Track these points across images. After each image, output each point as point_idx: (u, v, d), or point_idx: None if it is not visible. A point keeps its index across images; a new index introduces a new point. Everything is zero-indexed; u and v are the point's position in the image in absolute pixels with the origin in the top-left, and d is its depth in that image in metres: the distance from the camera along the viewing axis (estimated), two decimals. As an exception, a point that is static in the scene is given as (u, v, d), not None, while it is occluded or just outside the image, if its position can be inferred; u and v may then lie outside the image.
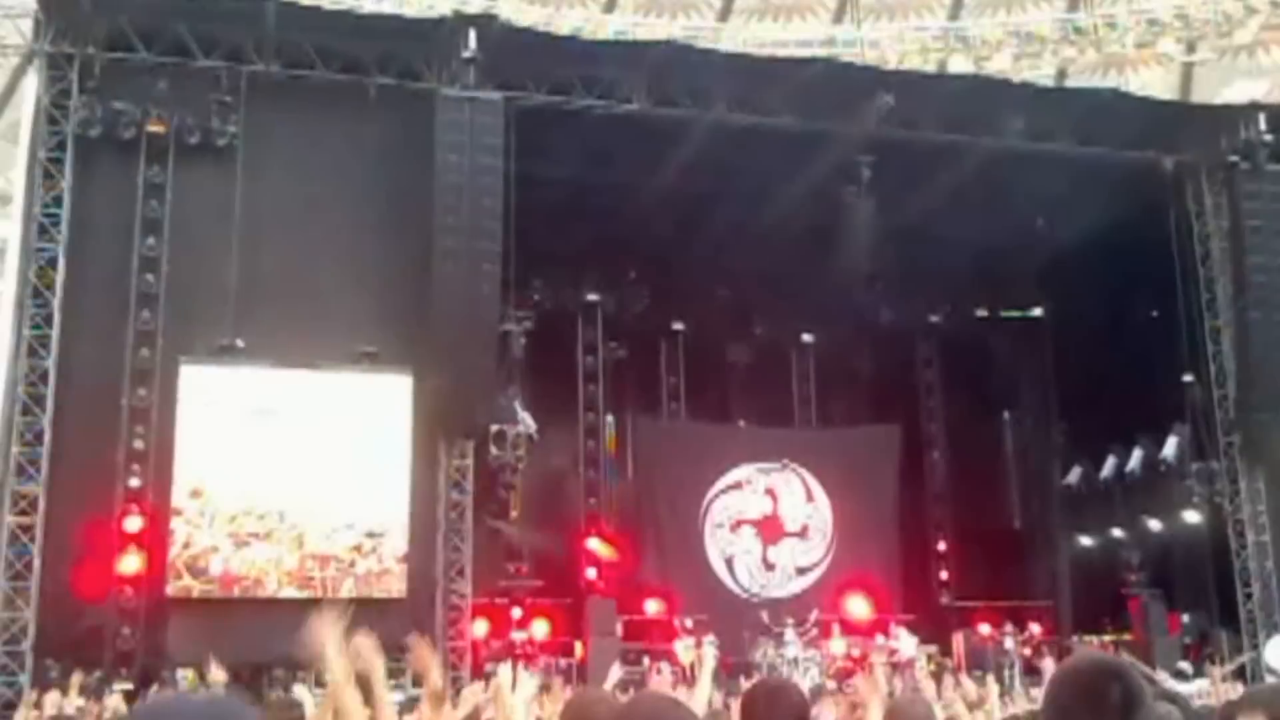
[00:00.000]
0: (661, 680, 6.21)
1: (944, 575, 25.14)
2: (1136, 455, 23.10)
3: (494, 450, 17.99)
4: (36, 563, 15.52)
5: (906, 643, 20.02)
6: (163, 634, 15.80)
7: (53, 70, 16.85)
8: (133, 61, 16.92)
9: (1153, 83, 24.07)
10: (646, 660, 18.74)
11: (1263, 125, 19.87)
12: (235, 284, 16.31)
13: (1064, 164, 19.34)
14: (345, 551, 16.70)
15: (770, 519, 24.43)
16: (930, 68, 23.84)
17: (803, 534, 24.50)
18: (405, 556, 16.87)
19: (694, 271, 23.05)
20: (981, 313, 25.84)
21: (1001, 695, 8.94)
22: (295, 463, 16.57)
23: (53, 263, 16.31)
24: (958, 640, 21.27)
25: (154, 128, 16.91)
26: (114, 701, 12.50)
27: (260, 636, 14.27)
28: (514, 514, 21.29)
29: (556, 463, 22.89)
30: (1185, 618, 21.70)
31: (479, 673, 15.73)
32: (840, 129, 19.28)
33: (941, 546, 25.37)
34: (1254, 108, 20.51)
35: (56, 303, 16.23)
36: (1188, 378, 20.72)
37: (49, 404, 15.93)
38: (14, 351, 16.13)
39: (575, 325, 23.60)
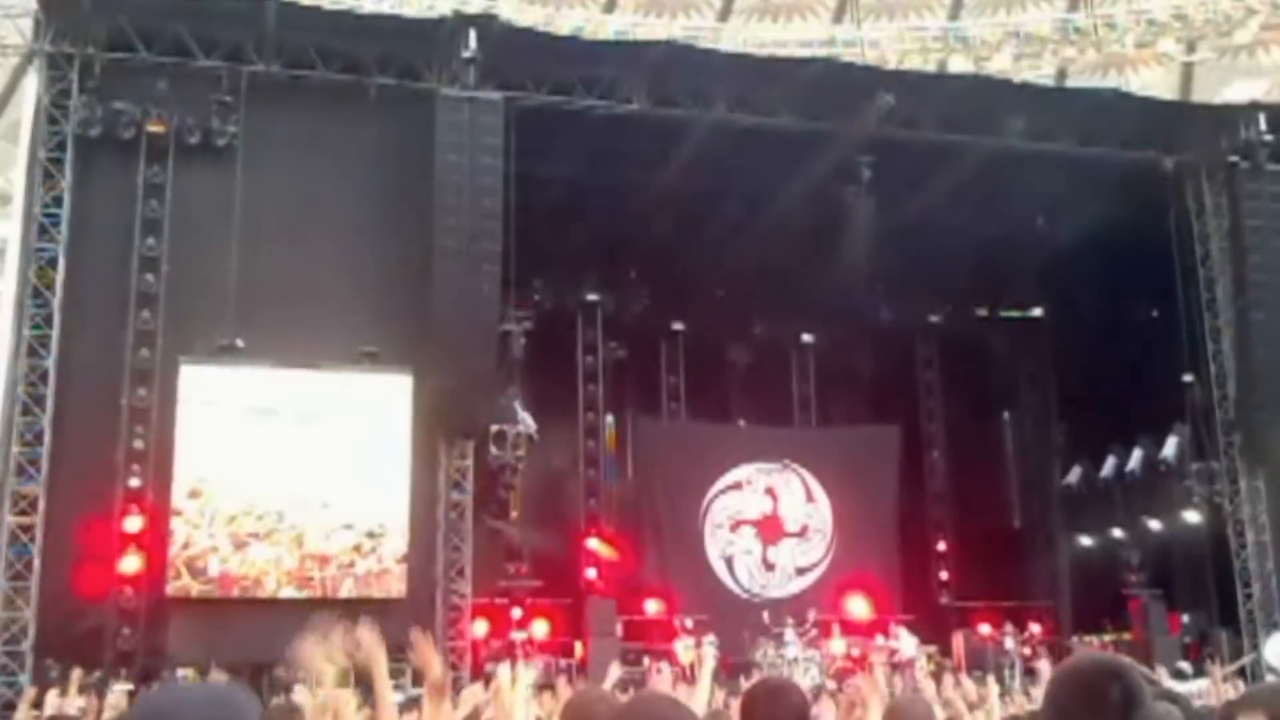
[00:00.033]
0: (661, 680, 6.21)
1: (944, 575, 25.14)
2: (1136, 455, 23.10)
3: (494, 450, 17.99)
4: (36, 563, 15.52)
5: (907, 643, 20.01)
6: (163, 634, 15.79)
7: (53, 70, 16.85)
8: (133, 61, 16.92)
9: (1153, 83, 24.07)
10: (646, 660, 18.72)
11: (1263, 125, 19.86)
12: (235, 284, 16.31)
13: (1064, 164, 19.34)
14: (345, 552, 16.70)
15: (770, 519, 24.43)
16: (930, 68, 23.84)
17: (802, 534, 24.50)
18: (405, 557, 16.87)
19: (694, 271, 23.05)
20: (981, 313, 25.84)
21: (1002, 695, 8.93)
22: (295, 463, 16.57)
23: (53, 263, 16.31)
24: (957, 640, 21.27)
25: (154, 128, 16.90)
26: (116, 699, 12.50)
27: (260, 637, 14.26)
28: (514, 514, 21.28)
29: (556, 463, 22.88)
30: (1185, 618, 21.70)
31: (479, 673, 15.72)
32: (840, 129, 19.29)
33: (941, 546, 25.36)
34: (1254, 108, 20.51)
35: (56, 303, 16.23)
36: (1188, 378, 20.71)
37: (49, 404, 15.93)
38: (14, 351, 16.13)
39: (575, 325, 23.60)
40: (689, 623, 20.49)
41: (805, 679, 17.16)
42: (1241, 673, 15.69)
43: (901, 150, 19.41)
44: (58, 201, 16.42)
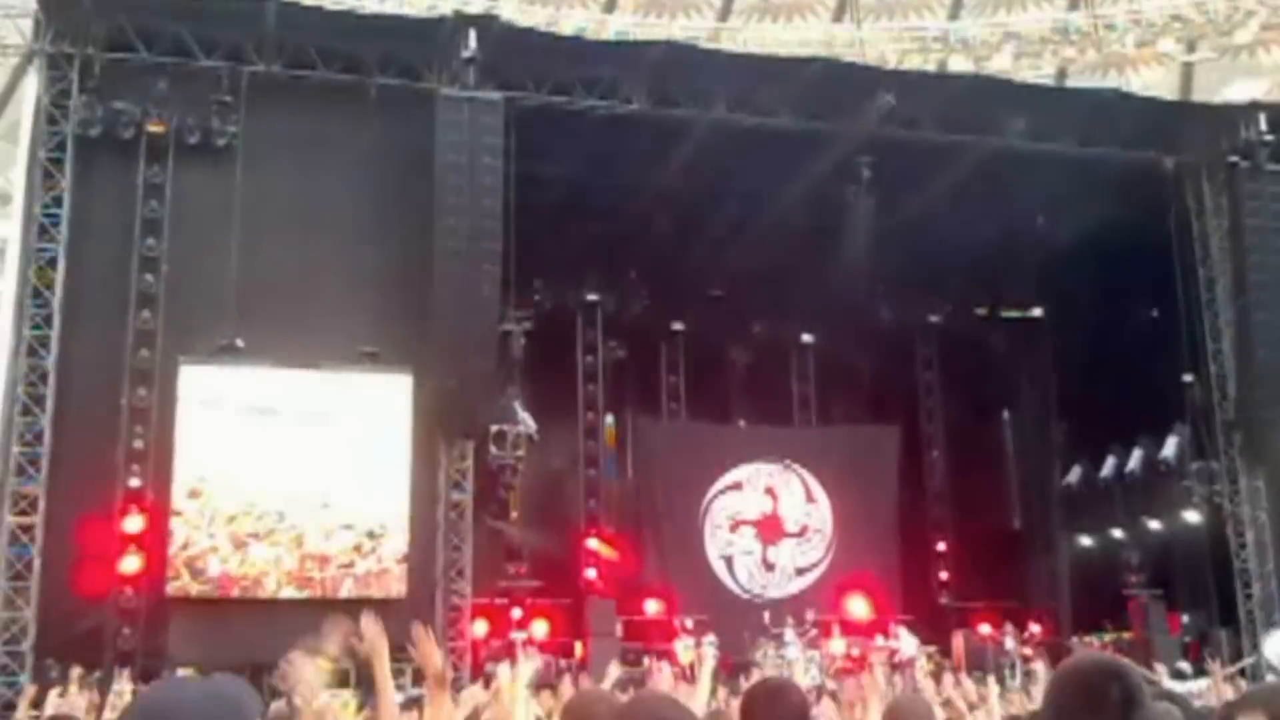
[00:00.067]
0: (661, 680, 6.20)
1: (944, 575, 25.13)
2: (1136, 455, 23.10)
3: (494, 450, 17.99)
4: (36, 563, 15.52)
5: (907, 643, 20.01)
6: (163, 634, 15.79)
7: (53, 70, 16.85)
8: (133, 61, 16.92)
9: (1153, 83, 24.06)
10: (647, 660, 18.72)
11: (1263, 125, 19.86)
12: (235, 284, 16.31)
13: (1064, 164, 19.33)
14: (345, 552, 16.70)
15: (770, 519, 24.43)
16: (930, 68, 23.83)
17: (802, 534, 24.50)
18: (405, 557, 16.87)
19: (694, 271, 23.05)
20: (981, 313, 25.83)
21: (1002, 695, 8.94)
22: (295, 463, 16.58)
23: (53, 263, 16.31)
24: (957, 640, 21.26)
25: (154, 128, 16.92)
26: (121, 689, 12.49)
27: (260, 637, 14.23)
28: (514, 514, 21.29)
29: (556, 463, 22.88)
30: (1185, 618, 21.70)
31: (479, 672, 15.71)
32: (840, 129, 19.29)
33: (941, 546, 25.36)
34: (1254, 108, 20.51)
35: (56, 303, 16.24)
36: (1188, 378, 20.71)
37: (49, 404, 15.93)
38: (14, 351, 16.13)
39: (575, 325, 23.60)
40: (689, 623, 20.48)
41: (805, 679, 17.15)
42: (1242, 673, 15.68)
43: (901, 150, 19.41)
44: (58, 201, 16.42)
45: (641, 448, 24.22)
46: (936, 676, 10.76)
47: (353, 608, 4.15)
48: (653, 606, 22.18)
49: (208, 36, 17.07)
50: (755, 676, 6.04)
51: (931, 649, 20.32)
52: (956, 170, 19.85)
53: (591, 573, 22.76)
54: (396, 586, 16.70)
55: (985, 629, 21.80)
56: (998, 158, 19.45)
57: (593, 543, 23.15)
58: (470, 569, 17.24)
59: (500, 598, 20.72)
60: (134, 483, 16.28)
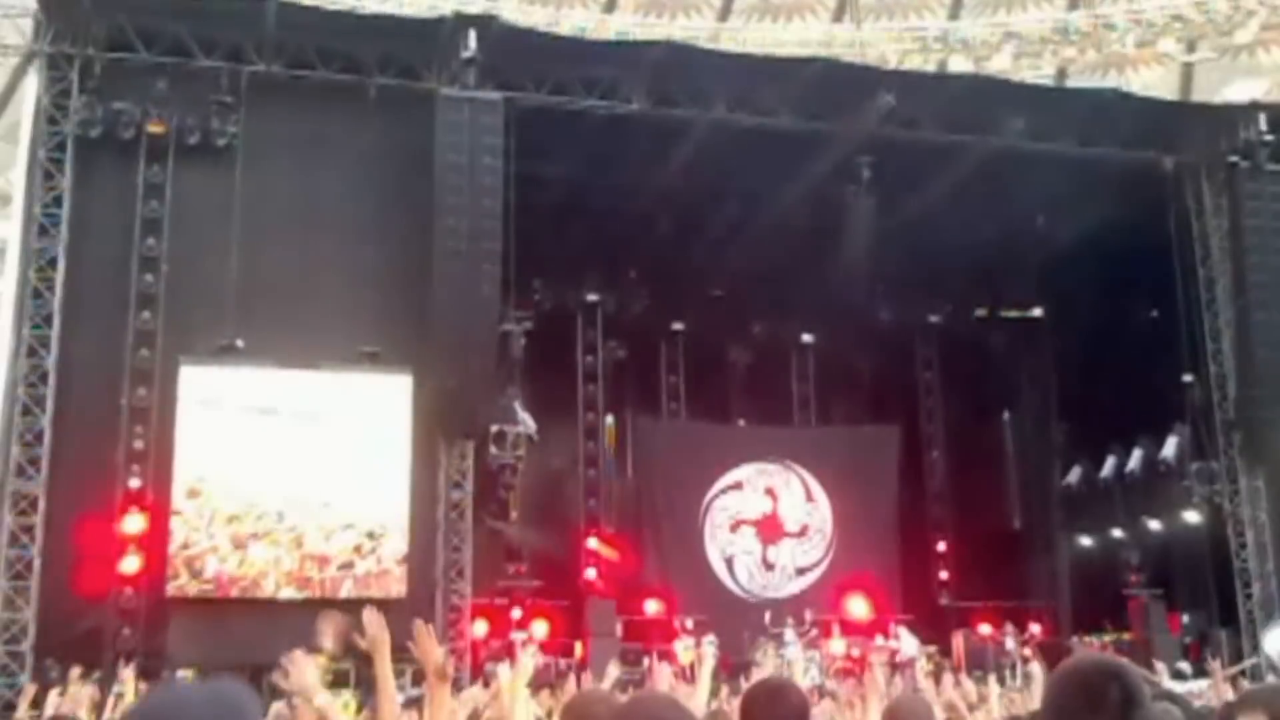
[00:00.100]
0: (661, 680, 6.20)
1: (944, 575, 25.13)
2: (1136, 455, 23.09)
3: (494, 450, 17.99)
4: (36, 563, 15.52)
5: (908, 643, 20.01)
6: (163, 634, 15.79)
7: (53, 70, 16.85)
8: (133, 61, 16.92)
9: (1153, 83, 24.07)
10: (646, 660, 18.72)
11: (1263, 125, 19.85)
12: (235, 284, 16.31)
13: (1064, 164, 19.32)
14: (345, 552, 16.69)
15: (770, 519, 24.44)
16: (930, 68, 23.84)
17: (802, 534, 24.50)
18: (405, 557, 16.87)
19: (694, 271, 23.05)
20: (981, 313, 25.82)
21: (1003, 695, 8.93)
22: (295, 463, 16.57)
23: (53, 263, 16.31)
24: (957, 640, 21.26)
25: (154, 128, 16.91)
26: (122, 700, 12.47)
27: (260, 637, 14.23)
28: (514, 514, 21.28)
29: (556, 463, 22.88)
30: (1185, 618, 21.70)
31: (479, 672, 15.72)
32: (840, 129, 19.29)
33: (941, 546, 25.36)
34: (1254, 108, 20.51)
35: (56, 303, 16.23)
36: (1188, 378, 20.70)
37: (49, 404, 15.93)
38: (14, 351, 16.13)
39: (575, 325, 23.59)
40: (689, 623, 20.49)
41: (805, 679, 17.15)
42: (1242, 674, 15.68)
43: (901, 150, 19.41)
44: (58, 201, 16.42)
45: (641, 448, 24.22)
46: (936, 676, 10.74)
47: (352, 608, 4.16)
48: (653, 606, 22.18)
49: (207, 36, 17.07)
50: (755, 676, 6.03)
51: (931, 649, 20.31)
52: (956, 170, 19.85)
53: (591, 573, 22.76)
54: (396, 587, 16.70)
55: (985, 629, 21.80)
56: (998, 158, 19.44)
57: (593, 543, 23.14)
58: (470, 569, 17.23)
59: (500, 598, 20.72)
60: (134, 483, 16.27)
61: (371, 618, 3.86)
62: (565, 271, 22.53)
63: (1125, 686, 2.48)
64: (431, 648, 3.91)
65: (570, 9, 24.08)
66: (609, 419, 24.18)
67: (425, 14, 19.73)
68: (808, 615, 20.35)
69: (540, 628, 20.82)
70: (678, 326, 24.41)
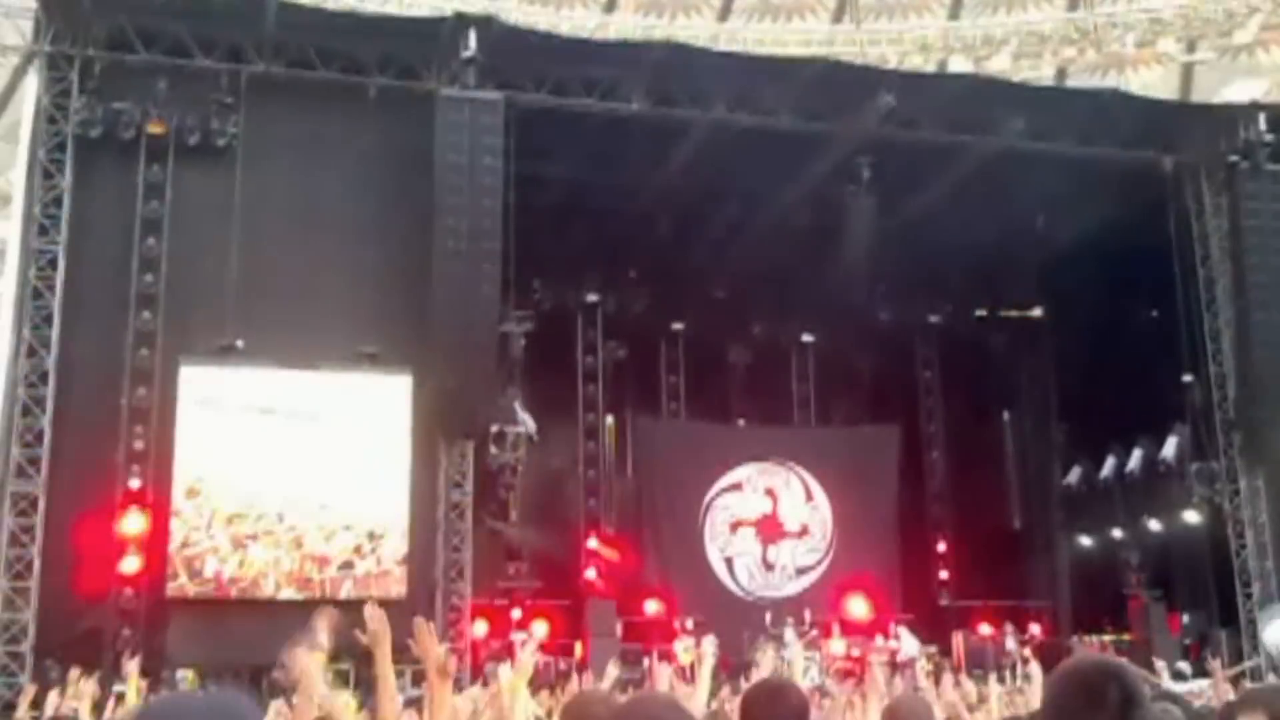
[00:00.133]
0: (661, 679, 6.21)
1: (944, 575, 25.12)
2: (1136, 455, 23.08)
3: (494, 451, 17.99)
4: (36, 563, 15.52)
5: (909, 643, 20.01)
6: (163, 634, 15.79)
7: (53, 70, 16.85)
8: (133, 61, 16.92)
9: (1153, 83, 24.07)
10: (646, 661, 18.73)
11: (1263, 125, 19.85)
12: (235, 284, 16.31)
13: (1064, 164, 19.33)
14: (345, 553, 16.70)
15: (770, 519, 24.43)
16: (930, 68, 23.85)
17: (802, 534, 24.50)
18: (405, 558, 16.87)
19: (694, 271, 23.05)
20: (981, 313, 25.82)
21: (1004, 695, 8.94)
22: (295, 463, 16.58)
23: (53, 263, 16.31)
24: (957, 640, 21.26)
25: (154, 128, 16.91)
26: (124, 703, 12.48)
27: (260, 638, 14.23)
28: (514, 514, 21.28)
29: (556, 463, 22.86)
30: (1185, 618, 21.70)
31: (479, 673, 15.72)
32: (840, 129, 19.29)
33: (941, 546, 25.35)
34: (1254, 108, 20.50)
35: (56, 303, 16.23)
36: (1188, 378, 20.70)
37: (49, 404, 15.93)
38: (14, 351, 16.13)
39: (575, 325, 23.59)
40: (689, 623, 20.49)
41: (805, 679, 17.15)
42: (1242, 675, 15.68)
43: (901, 150, 19.42)
44: (57, 202, 16.42)
45: (641, 448, 24.22)
46: (936, 676, 10.74)
47: (352, 608, 4.14)
48: (653, 607, 22.18)
49: (207, 36, 17.07)
50: (755, 676, 6.04)
51: (931, 649, 20.32)
52: (956, 170, 19.85)
53: (591, 573, 22.75)
54: (396, 587, 16.69)
55: (985, 629, 21.81)
56: (998, 158, 19.44)
57: (593, 543, 23.14)
58: (470, 569, 17.23)
59: (500, 598, 20.73)
60: (134, 483, 16.27)
61: (373, 612, 3.87)
62: (565, 271, 22.54)
63: (1124, 686, 2.48)
64: (432, 645, 3.91)
65: (570, 9, 24.08)
66: (609, 419, 24.18)
67: (425, 14, 19.74)
68: (808, 615, 20.36)
69: (540, 628, 20.81)
70: (678, 326, 24.40)
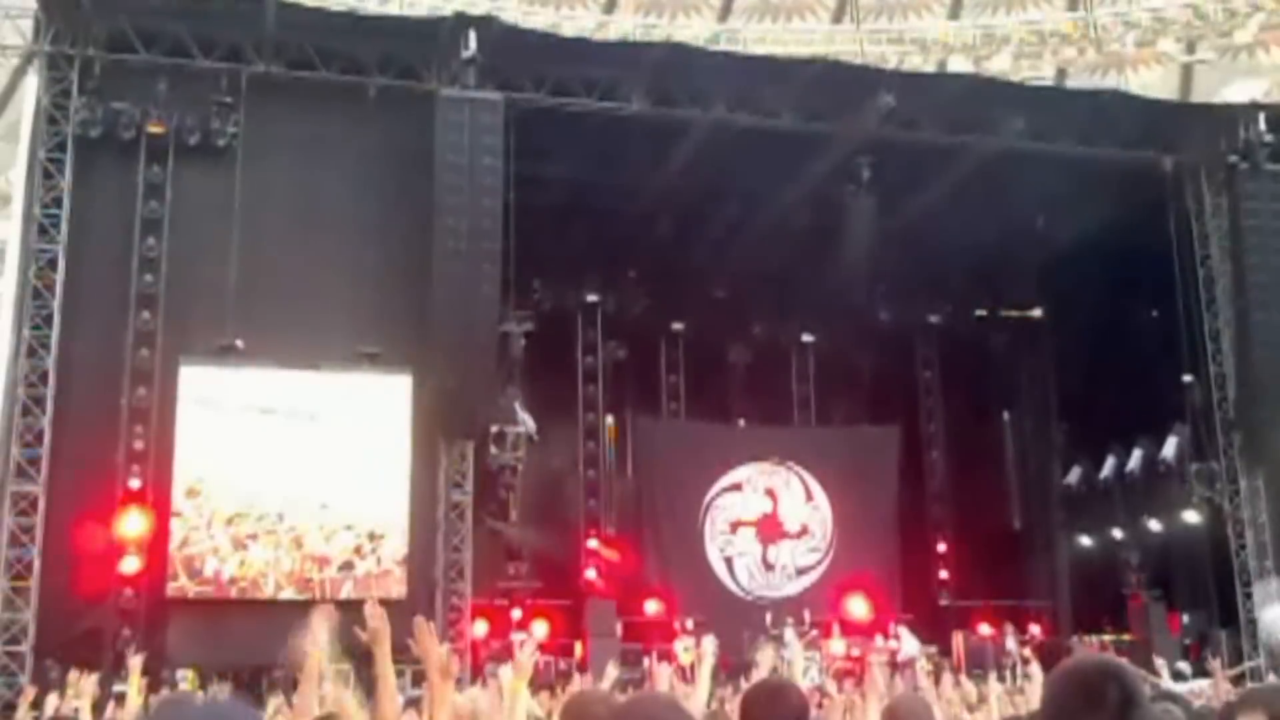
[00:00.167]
0: (661, 679, 6.22)
1: (944, 575, 25.12)
2: (1136, 455, 23.08)
3: (494, 451, 17.99)
4: (36, 563, 15.52)
5: (909, 643, 20.01)
6: (163, 634, 15.79)
7: (53, 70, 16.85)
8: (133, 62, 16.93)
9: (1153, 83, 24.09)
10: (646, 661, 18.72)
11: (1263, 125, 19.84)
12: (235, 284, 16.31)
13: (1064, 164, 19.33)
14: (345, 553, 16.70)
15: (769, 519, 24.43)
16: (930, 68, 23.86)
17: (802, 534, 24.50)
18: (405, 558, 16.87)
19: (694, 271, 23.05)
20: (981, 313, 25.82)
21: (1009, 694, 8.95)
22: (295, 463, 16.58)
23: (53, 263, 16.31)
24: (957, 640, 21.26)
25: (154, 128, 16.91)
26: (128, 694, 12.48)
27: (260, 638, 14.23)
28: (514, 515, 21.28)
29: (556, 463, 22.85)
30: (1185, 618, 21.70)
31: (479, 673, 15.72)
32: (840, 129, 19.29)
33: (941, 547, 25.34)
34: (1254, 108, 20.50)
35: (56, 303, 16.23)
36: (1188, 378, 20.69)
37: (49, 404, 15.93)
38: (14, 351, 16.13)
39: (575, 325, 23.59)
40: (689, 623, 20.49)
41: (805, 679, 17.15)
42: (1241, 677, 15.69)
43: (901, 150, 19.43)
44: (57, 202, 16.42)
45: (641, 448, 24.22)
46: (936, 676, 10.75)
47: (352, 609, 4.14)
48: (653, 607, 22.18)
49: (207, 36, 17.07)
50: (755, 676, 6.04)
51: (931, 649, 20.32)
52: (956, 170, 19.85)
53: (591, 573, 22.76)
54: (397, 588, 16.69)
55: (985, 629, 21.81)
56: (998, 158, 19.44)
57: (593, 543, 23.14)
58: (470, 569, 17.23)
59: (500, 598, 20.73)
60: (134, 483, 16.27)
61: (373, 610, 3.87)
62: (565, 271, 22.54)
63: (1124, 686, 2.48)
64: (433, 646, 3.91)
65: (570, 9, 24.10)
66: (609, 419, 24.18)
67: (425, 14, 19.76)
68: (807, 615, 20.36)
69: (540, 628, 20.81)
70: (678, 326, 24.39)
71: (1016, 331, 25.91)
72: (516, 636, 19.69)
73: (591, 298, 23.42)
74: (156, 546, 16.11)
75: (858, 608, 22.42)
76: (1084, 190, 19.82)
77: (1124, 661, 2.80)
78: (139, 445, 16.42)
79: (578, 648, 19.75)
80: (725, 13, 24.99)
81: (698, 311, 24.16)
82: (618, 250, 22.55)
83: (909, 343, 25.90)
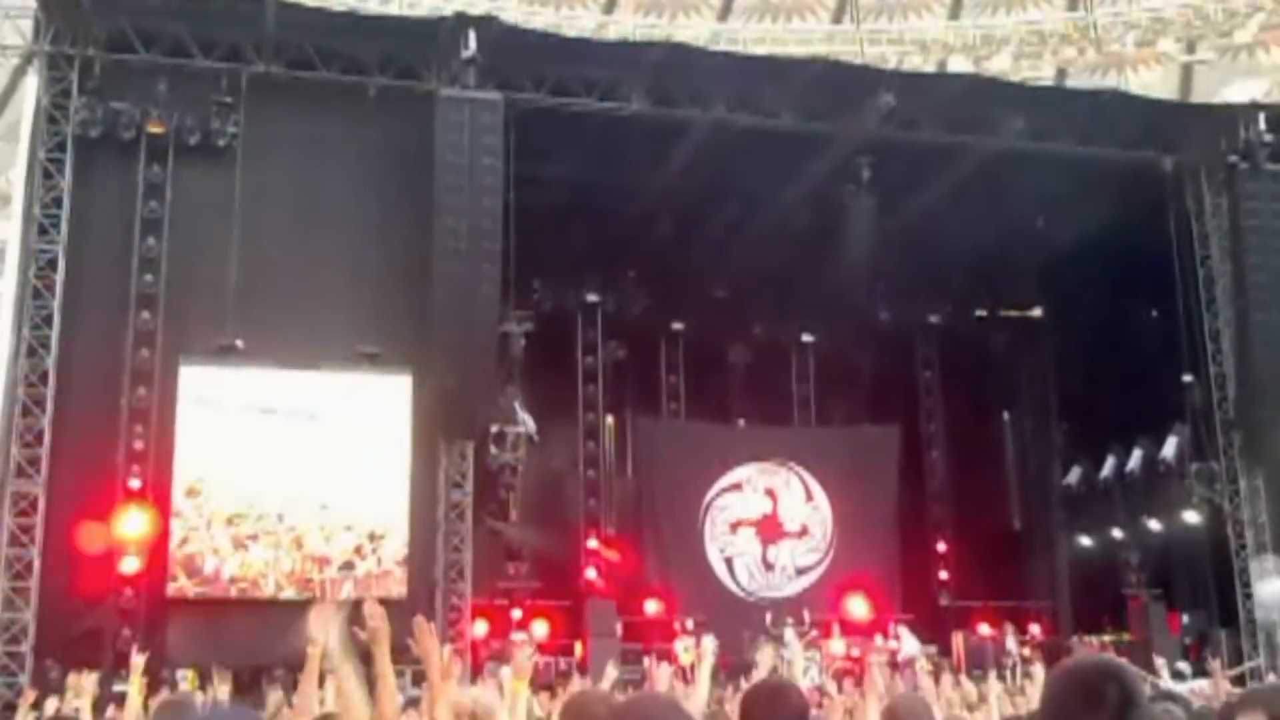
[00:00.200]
0: (661, 679, 6.23)
1: (944, 575, 25.11)
2: (1136, 455, 23.09)
3: (494, 451, 17.99)
4: (36, 563, 15.52)
5: (909, 643, 20.01)
6: (163, 634, 15.79)
7: (53, 70, 16.84)
8: (133, 62, 16.92)
9: (1153, 83, 24.10)
10: (646, 661, 18.72)
11: (1263, 125, 19.84)
12: (235, 284, 16.31)
13: (1064, 164, 19.33)
14: (345, 553, 16.70)
15: (770, 519, 24.43)
16: (930, 68, 23.86)
17: (802, 534, 24.50)
18: (405, 558, 16.87)
19: (694, 271, 23.05)
20: (981, 313, 25.82)
21: (1010, 695, 8.95)
22: (295, 464, 16.58)
23: (53, 263, 16.31)
24: (957, 640, 21.27)
25: (154, 128, 16.90)
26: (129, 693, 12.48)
27: (260, 638, 14.28)
28: (514, 514, 21.28)
29: (556, 463, 22.85)
30: (1185, 618, 21.71)
31: (479, 673, 15.72)
32: (840, 129, 19.28)
33: (941, 546, 25.34)
34: (1254, 108, 20.50)
35: (56, 303, 16.23)
36: (1188, 378, 20.69)
37: (49, 404, 15.92)
38: (14, 351, 16.13)
39: (575, 325, 23.59)
40: (689, 623, 20.50)
41: (805, 679, 17.15)
42: (1241, 677, 15.70)
43: (901, 150, 19.43)
44: (57, 202, 16.42)
45: (641, 448, 24.22)
46: (936, 676, 10.75)
47: (352, 609, 4.14)
48: (653, 607, 22.19)
49: (207, 36, 17.06)
50: (755, 676, 6.05)
51: (931, 649, 20.32)
52: (956, 170, 19.85)
53: (591, 573, 22.76)
54: (397, 588, 16.70)
55: (985, 629, 21.81)
56: (998, 158, 19.44)
57: (593, 543, 23.14)
58: (470, 569, 17.23)
59: (500, 598, 20.74)
60: (134, 483, 16.27)
61: (372, 610, 3.87)
62: (565, 271, 22.53)
63: (1123, 686, 2.48)
64: (433, 646, 3.91)
65: (570, 9, 24.11)
66: (609, 419, 24.18)
67: (425, 14, 19.77)
68: (807, 615, 20.36)
69: (540, 628, 20.84)
70: (678, 326, 24.39)
71: (1016, 331, 25.91)
72: (517, 636, 19.71)
73: (591, 298, 23.42)
74: (156, 546, 16.11)
75: (858, 608, 22.42)
76: (1084, 190, 19.82)
77: (1123, 661, 2.80)
78: (139, 445, 16.41)
79: (578, 648, 19.77)
80: (725, 13, 25.00)
81: (698, 311, 24.16)
82: (618, 250, 22.55)
83: (909, 343, 25.90)
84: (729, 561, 24.08)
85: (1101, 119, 19.95)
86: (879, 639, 20.38)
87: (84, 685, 8.12)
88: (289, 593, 16.36)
